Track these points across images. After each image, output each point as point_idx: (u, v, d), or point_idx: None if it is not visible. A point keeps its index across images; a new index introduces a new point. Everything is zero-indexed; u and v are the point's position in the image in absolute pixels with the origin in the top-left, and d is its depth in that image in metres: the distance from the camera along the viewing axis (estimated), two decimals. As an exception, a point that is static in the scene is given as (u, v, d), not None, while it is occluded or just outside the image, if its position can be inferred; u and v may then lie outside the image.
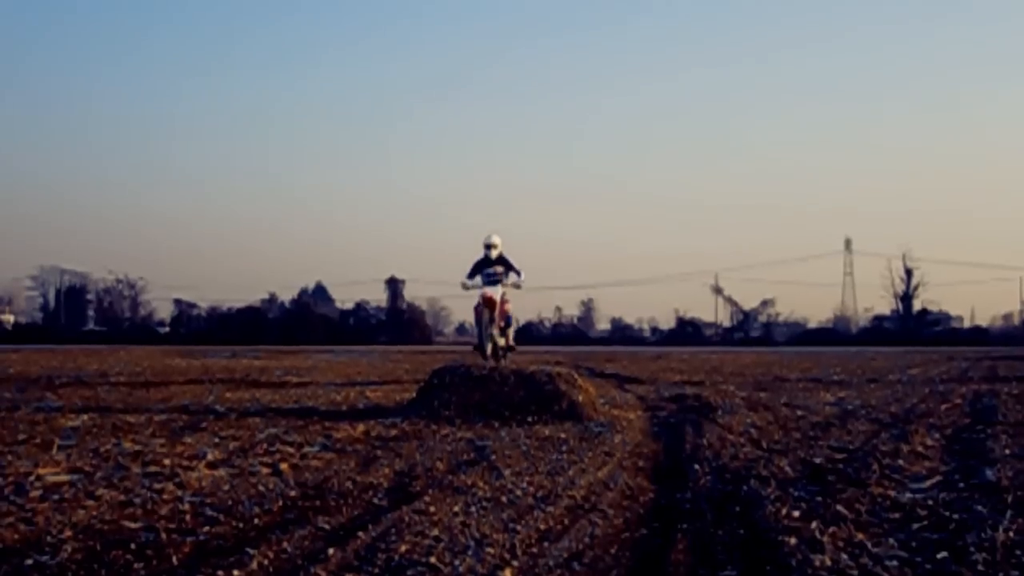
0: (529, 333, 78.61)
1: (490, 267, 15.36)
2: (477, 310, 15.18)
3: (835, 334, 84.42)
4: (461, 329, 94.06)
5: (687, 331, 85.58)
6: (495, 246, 15.25)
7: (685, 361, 37.20)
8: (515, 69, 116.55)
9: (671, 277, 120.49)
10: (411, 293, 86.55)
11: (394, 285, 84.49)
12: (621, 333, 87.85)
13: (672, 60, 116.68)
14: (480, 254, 15.28)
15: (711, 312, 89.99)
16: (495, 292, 15.08)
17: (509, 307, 15.53)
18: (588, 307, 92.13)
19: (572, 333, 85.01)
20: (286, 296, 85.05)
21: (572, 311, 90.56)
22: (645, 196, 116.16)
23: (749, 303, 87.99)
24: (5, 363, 29.76)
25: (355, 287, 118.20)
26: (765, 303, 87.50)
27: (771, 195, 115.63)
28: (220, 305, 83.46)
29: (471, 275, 15.31)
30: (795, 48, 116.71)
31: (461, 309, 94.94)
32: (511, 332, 15.81)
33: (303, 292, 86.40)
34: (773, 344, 77.81)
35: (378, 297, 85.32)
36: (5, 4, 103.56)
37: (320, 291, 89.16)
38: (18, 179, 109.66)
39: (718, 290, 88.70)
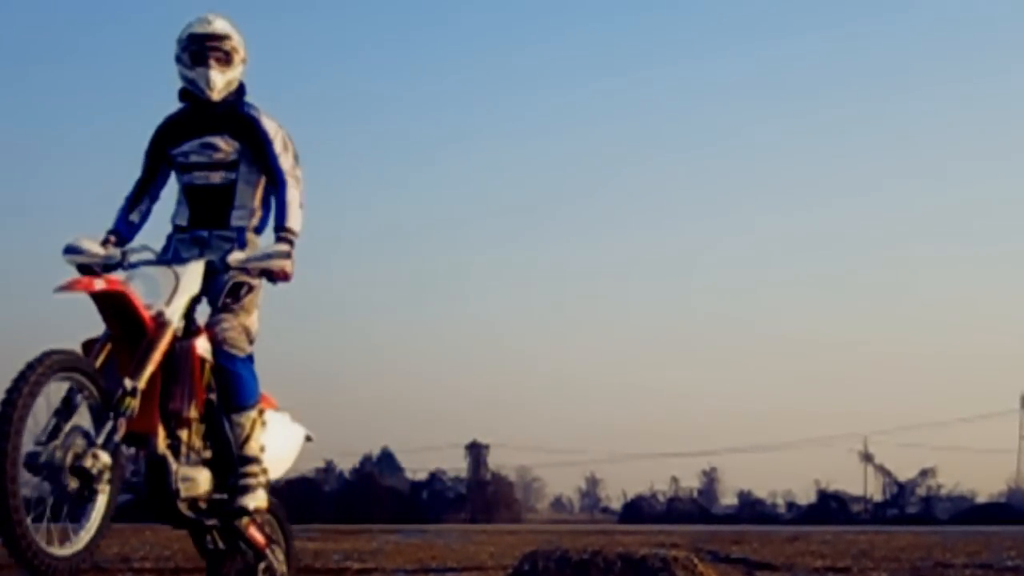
0: (639, 510, 77.26)
1: (199, 139, 5.77)
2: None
3: (1009, 510, 79.68)
4: (558, 504, 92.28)
5: (830, 507, 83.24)
6: (225, 55, 5.70)
7: (828, 543, 35.81)
8: (614, 197, 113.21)
9: (810, 442, 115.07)
10: (496, 461, 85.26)
11: (476, 451, 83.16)
12: (750, 509, 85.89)
13: (814, 182, 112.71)
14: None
15: (859, 484, 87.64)
16: (142, 276, 5.42)
17: (246, 326, 5.72)
18: (710, 478, 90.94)
19: (691, 509, 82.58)
20: (346, 465, 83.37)
21: (691, 483, 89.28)
22: (777, 344, 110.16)
23: (905, 473, 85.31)
24: (-1, 546, 27.02)
25: (429, 454, 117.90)
26: (924, 473, 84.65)
27: (930, 344, 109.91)
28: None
29: (139, 193, 5.95)
30: (953, 169, 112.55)
31: (557, 480, 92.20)
32: (251, 437, 5.70)
33: (366, 460, 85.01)
34: (934, 522, 72.90)
35: (457, 466, 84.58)
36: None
37: (387, 458, 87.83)
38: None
39: (868, 457, 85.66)
